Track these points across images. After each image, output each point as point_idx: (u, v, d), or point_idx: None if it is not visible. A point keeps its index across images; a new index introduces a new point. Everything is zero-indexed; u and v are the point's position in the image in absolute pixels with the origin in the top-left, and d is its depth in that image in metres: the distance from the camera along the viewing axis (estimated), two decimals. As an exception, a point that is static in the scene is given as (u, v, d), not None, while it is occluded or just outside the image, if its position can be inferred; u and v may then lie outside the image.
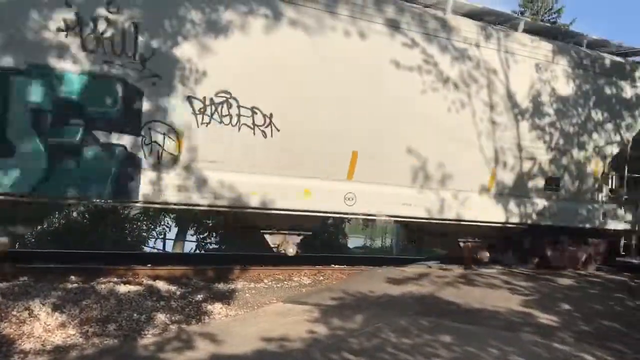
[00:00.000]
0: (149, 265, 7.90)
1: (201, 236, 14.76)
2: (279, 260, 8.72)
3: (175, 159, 6.58)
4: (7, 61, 5.69)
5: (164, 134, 6.46)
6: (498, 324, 5.99)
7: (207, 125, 6.64)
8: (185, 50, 6.47)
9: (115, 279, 6.77)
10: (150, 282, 6.80)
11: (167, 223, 15.41)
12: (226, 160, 6.82)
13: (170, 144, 6.51)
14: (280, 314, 5.91)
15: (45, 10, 5.76)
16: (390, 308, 6.29)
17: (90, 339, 4.77)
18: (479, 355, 4.84)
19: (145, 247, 14.82)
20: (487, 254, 9.32)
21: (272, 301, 6.56)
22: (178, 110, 6.50)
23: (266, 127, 6.98)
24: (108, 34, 6.08)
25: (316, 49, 7.16)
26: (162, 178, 6.51)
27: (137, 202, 6.60)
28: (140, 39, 6.24)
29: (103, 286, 6.22)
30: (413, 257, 10.89)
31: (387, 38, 7.68)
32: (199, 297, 6.39)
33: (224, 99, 6.70)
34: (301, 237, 7.96)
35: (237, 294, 6.81)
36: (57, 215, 13.07)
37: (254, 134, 6.91)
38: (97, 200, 6.59)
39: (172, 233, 16.23)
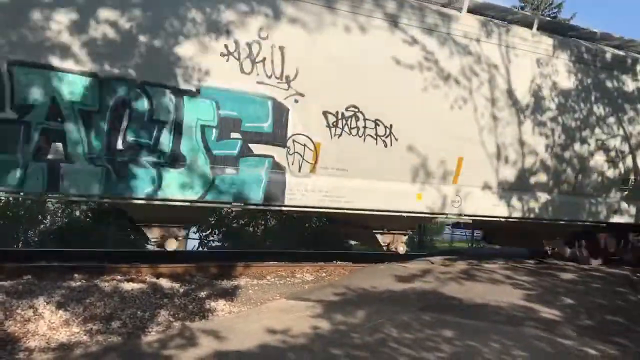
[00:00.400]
0: (152, 263, 7.93)
1: (204, 234, 14.81)
2: (282, 257, 8.77)
3: (312, 167, 7.39)
4: (182, 84, 6.45)
5: (304, 145, 7.29)
6: (500, 318, 6.00)
7: (338, 137, 7.44)
8: (324, 72, 7.21)
9: (119, 277, 6.81)
10: (154, 279, 6.84)
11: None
12: (353, 167, 7.62)
13: (308, 154, 7.34)
14: (283, 310, 5.94)
15: (208, 39, 6.55)
16: (393, 304, 6.31)
17: (94, 337, 4.81)
18: (481, 349, 4.86)
19: (148, 245, 14.85)
20: (568, 250, 10.31)
21: (275, 297, 6.59)
22: (316, 124, 7.30)
23: (386, 137, 7.74)
24: (260, 57, 6.86)
25: (435, 73, 7.97)
26: (302, 184, 7.32)
27: (283, 206, 7.33)
28: (286, 61, 6.99)
29: (106, 284, 6.26)
30: (416, 253, 10.91)
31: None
32: (202, 294, 6.41)
33: (353, 112, 7.50)
34: (407, 236, 8.81)
35: (240, 290, 6.84)
36: (59, 214, 13.15)
37: (377, 143, 7.68)
38: (251, 206, 7.30)
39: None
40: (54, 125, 5.94)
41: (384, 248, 8.71)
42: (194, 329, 5.10)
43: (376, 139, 7.65)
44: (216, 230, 14.67)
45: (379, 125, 7.65)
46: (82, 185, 6.14)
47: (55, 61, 5.86)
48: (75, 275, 6.61)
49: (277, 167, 7.12)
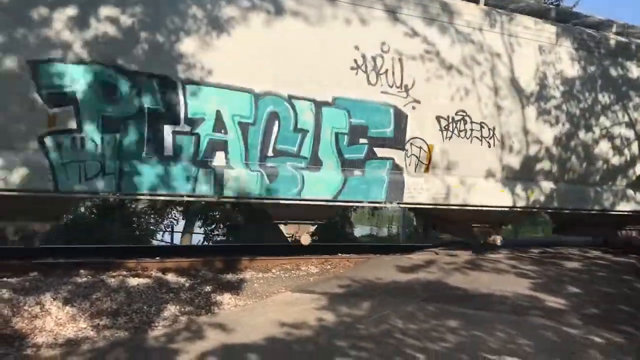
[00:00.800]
0: (158, 258, 7.97)
1: (209, 228, 14.86)
2: (287, 250, 8.79)
3: (426, 168, 8.16)
4: (321, 95, 7.29)
5: (419, 147, 8.07)
6: (505, 308, 6.01)
7: (449, 139, 8.23)
8: (438, 80, 8.04)
9: (125, 272, 6.85)
10: (159, 274, 6.87)
11: (175, 216, 15.52)
12: (459, 166, 8.37)
13: (423, 156, 8.10)
14: (289, 303, 5.96)
15: (339, 52, 7.37)
16: (398, 295, 6.33)
17: (101, 332, 4.84)
18: (486, 339, 4.87)
19: (153, 241, 14.93)
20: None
21: (281, 290, 6.61)
22: (430, 128, 8.10)
23: (490, 138, 8.54)
24: (383, 69, 7.65)
25: (537, 80, 8.84)
26: (417, 183, 8.09)
27: (402, 203, 8.12)
28: (405, 72, 7.77)
29: (113, 280, 6.29)
30: (420, 244, 10.90)
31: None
32: (208, 288, 6.44)
33: (461, 117, 8.31)
34: (502, 229, 9.64)
35: (245, 284, 6.86)
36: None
37: (481, 144, 8.48)
38: (375, 203, 8.20)
39: (180, 226, 16.37)
40: (218, 136, 6.80)
41: (480, 240, 9.38)
42: (201, 322, 5.14)
43: (481, 140, 8.47)
44: (221, 225, 14.73)
45: (483, 128, 8.47)
46: (241, 189, 6.94)
47: (220, 79, 6.71)
48: (82, 271, 6.65)
49: (396, 168, 7.92)
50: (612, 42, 9.67)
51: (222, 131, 6.78)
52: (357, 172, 7.63)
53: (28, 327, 4.78)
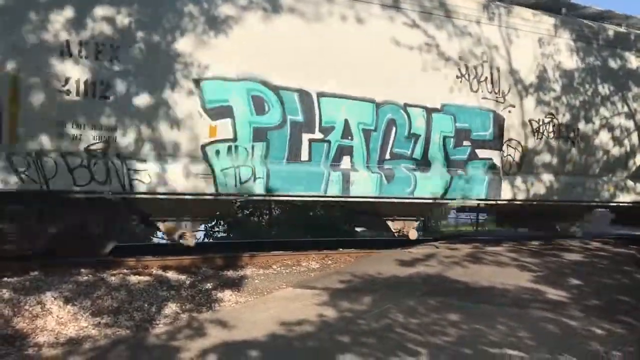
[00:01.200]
0: (158, 255, 7.96)
1: (209, 225, 14.84)
2: (287, 245, 8.80)
3: (519, 167, 8.95)
4: (432, 102, 8.09)
5: (514, 148, 8.86)
6: (506, 301, 6.01)
7: (540, 140, 9.06)
8: (531, 87, 8.92)
9: (125, 271, 6.84)
10: (160, 272, 6.87)
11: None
12: (547, 165, 9.19)
13: (516, 155, 8.90)
14: (290, 299, 5.96)
15: (450, 63, 8.24)
16: (399, 289, 6.33)
17: (102, 331, 4.84)
18: (487, 332, 4.87)
19: (154, 238, 14.90)
20: None
21: (282, 286, 6.61)
22: (522, 130, 8.89)
23: (575, 138, 9.37)
24: (483, 77, 8.50)
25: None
26: (511, 181, 8.89)
27: (499, 200, 8.88)
28: (502, 79, 8.65)
29: (113, 278, 6.29)
30: (421, 238, 10.90)
31: None
32: (209, 285, 6.44)
33: (550, 119, 9.13)
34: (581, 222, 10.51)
35: (246, 280, 6.86)
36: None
37: (567, 144, 9.30)
38: (476, 201, 8.95)
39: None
40: (345, 142, 7.60)
41: (558, 230, 10.33)
42: (202, 320, 5.14)
43: (567, 140, 9.27)
44: (221, 221, 14.71)
45: (569, 129, 9.25)
46: (364, 189, 7.71)
47: (348, 91, 7.51)
48: (82, 269, 6.63)
49: (494, 168, 8.69)
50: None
51: (349, 137, 7.59)
52: (461, 172, 8.42)
53: (29, 327, 4.78)
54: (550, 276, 7.18)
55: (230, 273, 7.18)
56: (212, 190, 6.85)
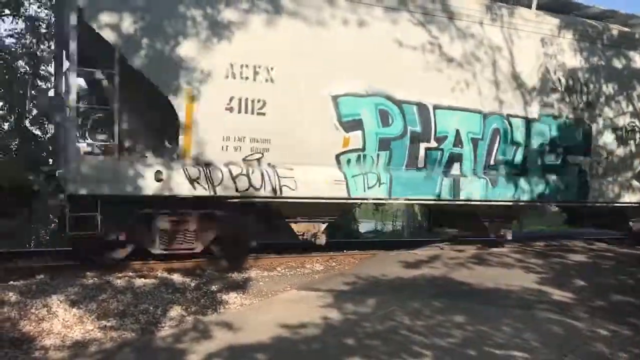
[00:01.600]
0: (163, 259, 7.97)
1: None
2: (292, 247, 8.80)
3: (604, 171, 9.68)
4: (531, 113, 8.86)
5: (600, 154, 9.63)
6: (511, 302, 6.00)
7: (623, 147, 9.83)
8: (614, 97, 9.68)
9: (131, 274, 6.86)
10: (165, 275, 6.89)
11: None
12: (628, 169, 9.96)
13: (603, 161, 9.64)
14: (294, 301, 5.97)
15: (548, 77, 9.05)
16: (403, 291, 6.33)
17: (108, 333, 4.85)
18: (492, 334, 4.87)
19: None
20: None
21: (286, 289, 6.61)
22: (608, 138, 9.72)
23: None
24: (574, 89, 9.34)
25: None
26: (599, 183, 9.67)
27: (588, 202, 9.61)
28: (587, 90, 9.40)
29: (119, 281, 6.31)
30: (425, 239, 10.90)
31: None
32: (214, 287, 6.45)
33: (632, 127, 9.93)
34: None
35: (251, 283, 6.87)
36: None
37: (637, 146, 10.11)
38: (569, 203, 9.84)
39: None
40: (456, 150, 8.32)
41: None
42: (207, 322, 5.15)
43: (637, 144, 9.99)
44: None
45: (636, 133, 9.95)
46: (470, 193, 8.46)
47: (459, 103, 8.23)
48: (88, 273, 6.67)
49: (583, 172, 9.44)
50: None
51: (459, 146, 8.31)
52: (554, 177, 9.16)
53: (36, 330, 4.80)
54: (555, 277, 7.17)
55: (235, 275, 7.19)
56: (344, 194, 7.67)
